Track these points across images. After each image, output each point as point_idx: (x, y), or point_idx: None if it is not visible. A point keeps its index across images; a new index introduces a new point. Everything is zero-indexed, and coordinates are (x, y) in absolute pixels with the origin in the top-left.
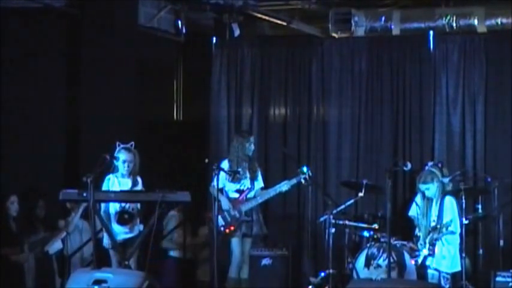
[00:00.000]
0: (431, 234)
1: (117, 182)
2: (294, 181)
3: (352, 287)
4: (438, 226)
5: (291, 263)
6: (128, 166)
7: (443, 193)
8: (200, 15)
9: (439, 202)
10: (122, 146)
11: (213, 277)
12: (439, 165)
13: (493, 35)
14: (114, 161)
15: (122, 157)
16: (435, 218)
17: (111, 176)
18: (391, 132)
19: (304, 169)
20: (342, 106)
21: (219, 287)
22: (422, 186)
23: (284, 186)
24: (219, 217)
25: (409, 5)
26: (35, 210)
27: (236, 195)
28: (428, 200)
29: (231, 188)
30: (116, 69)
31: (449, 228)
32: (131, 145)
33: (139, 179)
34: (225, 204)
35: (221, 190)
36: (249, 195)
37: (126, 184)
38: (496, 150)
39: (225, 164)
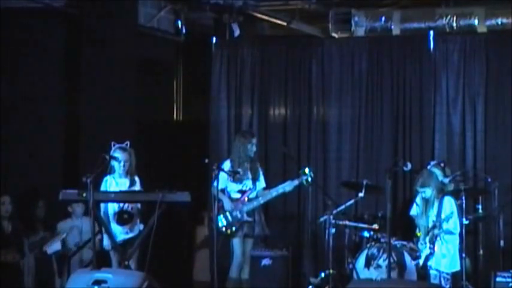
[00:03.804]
0: (430, 233)
1: (114, 183)
2: (296, 182)
3: (352, 287)
4: (437, 224)
5: (291, 263)
6: (124, 166)
7: (443, 193)
8: (200, 15)
9: (437, 203)
10: (117, 145)
11: (213, 277)
12: (442, 164)
13: (493, 35)
14: (114, 161)
15: (118, 157)
16: (434, 218)
17: (108, 177)
18: (391, 132)
19: (306, 170)
20: (342, 106)
21: (219, 287)
22: (419, 189)
23: (286, 187)
24: (221, 217)
25: (409, 5)
26: (35, 210)
27: (238, 195)
28: (427, 201)
29: (233, 189)
30: (116, 69)
31: (449, 222)
32: (126, 144)
33: (137, 179)
34: (227, 204)
35: (223, 190)
36: (250, 196)
37: (123, 184)
38: (496, 150)
39: (226, 165)
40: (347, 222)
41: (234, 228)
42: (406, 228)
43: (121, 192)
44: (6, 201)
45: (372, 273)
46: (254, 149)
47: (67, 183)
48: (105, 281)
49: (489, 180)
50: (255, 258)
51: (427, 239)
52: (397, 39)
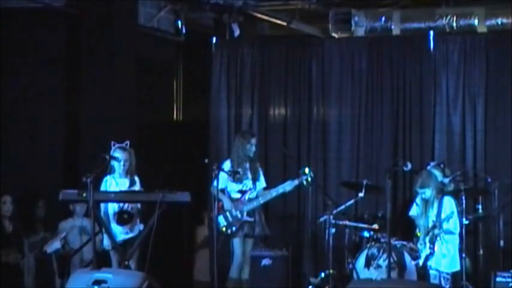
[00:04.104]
0: (430, 233)
1: (114, 183)
2: (296, 182)
3: (352, 287)
4: (437, 224)
5: (291, 263)
6: (124, 165)
7: (442, 193)
8: (200, 15)
9: (437, 203)
10: (117, 145)
11: (213, 277)
12: (441, 165)
13: (493, 35)
14: (114, 161)
15: (118, 157)
16: (434, 219)
17: (108, 177)
18: (391, 132)
19: (306, 170)
20: (342, 106)
21: (219, 287)
22: (418, 190)
23: (286, 187)
24: (222, 217)
25: (409, 5)
26: (35, 210)
27: (238, 195)
28: (426, 201)
29: (234, 189)
30: (116, 69)
31: (449, 222)
32: (126, 144)
33: (136, 178)
34: (227, 204)
35: (223, 190)
36: (251, 196)
37: (123, 184)
38: (496, 150)
39: (227, 164)
40: (347, 222)
41: (234, 228)
42: (406, 228)
43: (121, 192)
44: (8, 200)
45: (372, 273)
46: (253, 149)
47: (67, 183)
48: (105, 281)
49: (489, 180)
50: (255, 258)
51: (427, 239)
52: (397, 39)
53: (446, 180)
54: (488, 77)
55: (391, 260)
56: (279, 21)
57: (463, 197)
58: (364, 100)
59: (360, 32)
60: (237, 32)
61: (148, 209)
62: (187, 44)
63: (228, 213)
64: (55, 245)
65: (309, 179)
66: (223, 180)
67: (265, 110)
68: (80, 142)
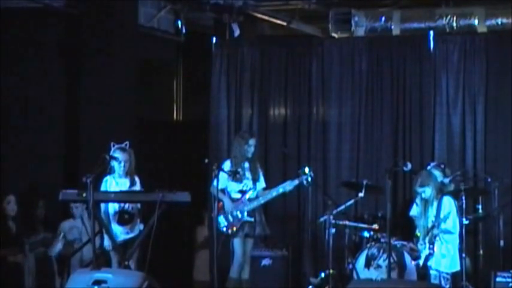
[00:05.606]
0: (430, 234)
1: (114, 183)
2: (296, 182)
3: (352, 287)
4: (436, 224)
5: (291, 263)
6: (124, 166)
7: (442, 193)
8: (200, 15)
9: (436, 202)
10: (116, 146)
11: (213, 277)
12: (442, 166)
13: (494, 35)
14: (114, 161)
15: (118, 157)
16: (433, 219)
17: (108, 177)
18: (391, 132)
19: (306, 170)
20: (342, 106)
21: (219, 287)
22: (418, 189)
23: (286, 187)
24: (222, 217)
25: (409, 5)
26: (35, 210)
27: (239, 195)
28: (426, 201)
29: (234, 189)
30: (116, 69)
31: (447, 222)
32: (125, 144)
33: (136, 178)
34: (228, 204)
35: (223, 190)
36: (251, 196)
37: (124, 184)
38: (496, 150)
39: (227, 164)
40: (347, 222)
41: (235, 229)
42: (406, 228)
43: (121, 192)
44: (12, 200)
45: (372, 273)
46: (251, 149)
47: (67, 183)
48: (105, 281)
49: (489, 180)
50: (255, 258)
51: (427, 239)
52: (397, 39)
53: (446, 180)
54: (488, 77)
55: (391, 260)
56: (279, 21)
57: (463, 197)
58: (364, 100)
59: (360, 32)
60: (237, 32)
61: (148, 209)
62: (187, 44)
63: (228, 213)
64: (57, 247)
65: (309, 179)
66: (223, 180)
67: (265, 110)
68: (80, 142)
